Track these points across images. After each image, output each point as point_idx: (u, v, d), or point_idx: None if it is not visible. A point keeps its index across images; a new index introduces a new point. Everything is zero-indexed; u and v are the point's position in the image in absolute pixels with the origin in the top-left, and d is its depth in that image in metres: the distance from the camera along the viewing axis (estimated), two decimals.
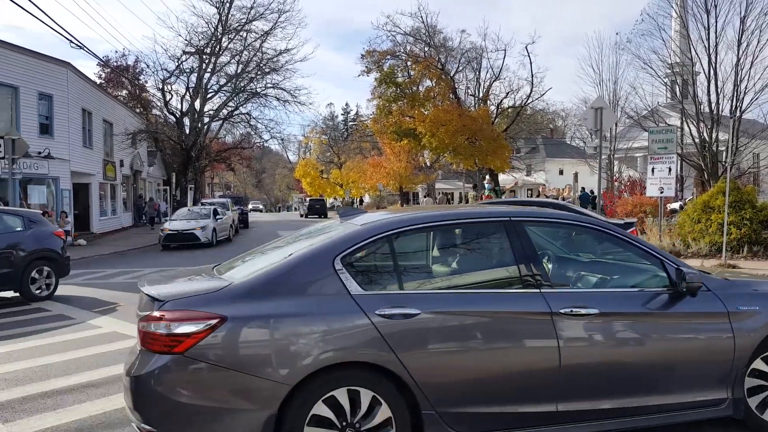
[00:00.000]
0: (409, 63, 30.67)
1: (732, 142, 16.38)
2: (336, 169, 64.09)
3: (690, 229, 13.38)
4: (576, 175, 31.50)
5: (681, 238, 13.48)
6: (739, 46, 19.85)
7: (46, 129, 21.91)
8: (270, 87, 37.04)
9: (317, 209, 45.87)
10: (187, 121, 35.56)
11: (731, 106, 20.28)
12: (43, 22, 28.07)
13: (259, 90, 36.95)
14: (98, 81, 35.99)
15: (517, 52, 56.00)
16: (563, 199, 24.74)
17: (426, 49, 31.02)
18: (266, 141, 43.95)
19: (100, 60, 34.52)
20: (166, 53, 56.96)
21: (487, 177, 26.61)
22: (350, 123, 78.20)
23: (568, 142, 53.40)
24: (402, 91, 30.34)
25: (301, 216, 47.94)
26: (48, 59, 22.11)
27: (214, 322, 2.96)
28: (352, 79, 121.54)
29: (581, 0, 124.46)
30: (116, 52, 58.57)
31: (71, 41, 18.19)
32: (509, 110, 32.00)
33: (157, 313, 3.04)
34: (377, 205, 50.21)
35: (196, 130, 35.11)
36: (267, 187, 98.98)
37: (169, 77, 34.66)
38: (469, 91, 33.38)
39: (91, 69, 67.16)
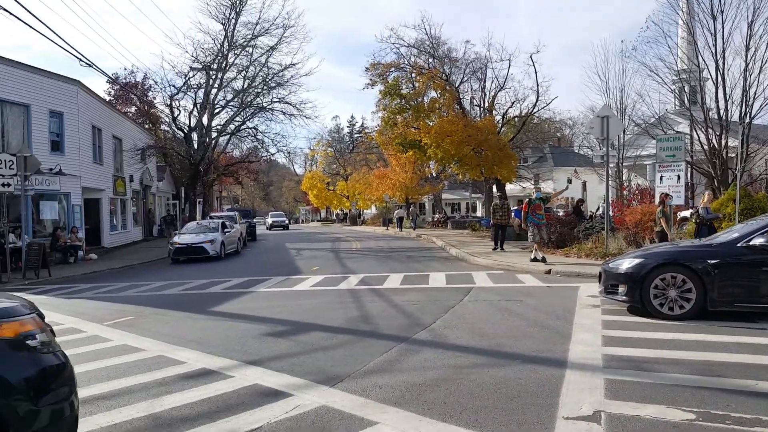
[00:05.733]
0: (413, 75, 30.76)
1: (742, 148, 16.35)
2: (342, 180, 64.25)
3: None
4: (584, 183, 31.35)
5: None
6: (747, 51, 19.74)
7: (57, 146, 22.14)
8: (276, 101, 37.24)
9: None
10: (195, 136, 35.80)
11: (740, 112, 20.14)
12: (51, 41, 28.31)
13: (265, 104, 37.17)
14: (108, 98, 36.38)
15: (521, 61, 56.26)
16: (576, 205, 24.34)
17: (430, 60, 31.14)
18: (273, 154, 44.23)
19: (109, 77, 34.93)
20: (174, 70, 57.37)
21: (537, 185, 26.28)
22: (356, 135, 78.55)
23: (576, 151, 53.22)
24: (407, 103, 30.41)
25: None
26: (58, 77, 22.38)
27: None
28: (356, 92, 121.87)
29: (586, 8, 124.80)
30: (125, 69, 59.15)
31: (80, 59, 18.10)
32: (515, 120, 31.96)
33: None
34: (383, 216, 50.20)
35: (204, 144, 35.33)
36: (274, 200, 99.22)
37: (177, 93, 34.96)
38: (474, 101, 33.41)
39: (100, 86, 67.83)
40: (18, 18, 16.25)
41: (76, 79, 23.48)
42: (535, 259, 14.63)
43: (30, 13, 12.97)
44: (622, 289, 8.19)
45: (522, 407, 4.62)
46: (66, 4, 30.54)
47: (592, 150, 38.90)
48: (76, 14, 55.83)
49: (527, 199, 15.51)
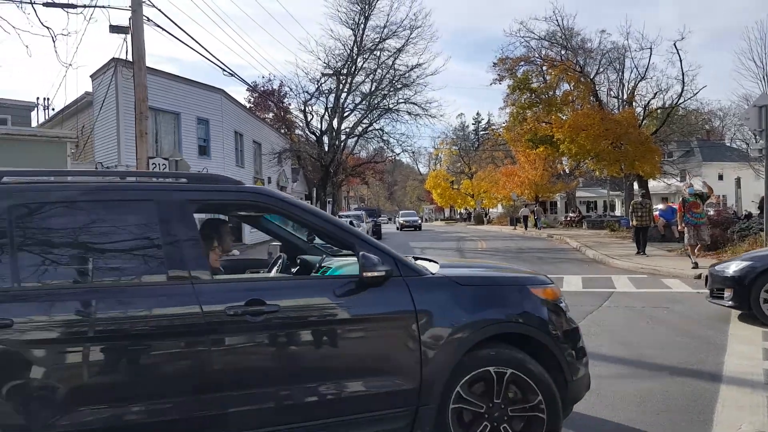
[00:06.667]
0: (544, 68, 29.50)
1: None
2: (467, 179, 63.51)
3: None
4: (738, 180, 28.30)
5: None
6: None
7: (204, 150, 24.22)
8: (402, 102, 37.79)
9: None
10: (326, 139, 37.39)
11: None
12: (199, 54, 31.15)
13: (391, 106, 37.85)
14: (247, 105, 39.15)
15: (664, 49, 51.78)
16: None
17: (563, 52, 29.67)
18: (398, 155, 44.92)
19: (249, 86, 37.40)
20: (307, 76, 60.26)
21: (689, 180, 24.03)
22: (481, 132, 77.44)
23: (728, 144, 48.20)
24: (537, 97, 29.24)
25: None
26: (204, 87, 24.42)
27: None
28: (482, 88, 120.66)
29: None
30: (263, 77, 63.32)
31: (223, 69, 19.89)
32: (658, 111, 29.56)
33: None
34: (510, 215, 48.90)
35: (334, 147, 36.76)
36: (398, 199, 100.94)
37: (310, 99, 36.68)
38: (611, 93, 31.35)
39: (241, 94, 73.22)
40: (170, 33, 17.95)
41: (220, 88, 25.51)
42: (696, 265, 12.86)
43: (180, 28, 14.30)
44: (728, 293, 7.60)
45: (670, 423, 4.18)
46: (211, 19, 33.45)
47: (748, 143, 34.88)
48: (220, 28, 60.96)
49: (681, 198, 14.07)
